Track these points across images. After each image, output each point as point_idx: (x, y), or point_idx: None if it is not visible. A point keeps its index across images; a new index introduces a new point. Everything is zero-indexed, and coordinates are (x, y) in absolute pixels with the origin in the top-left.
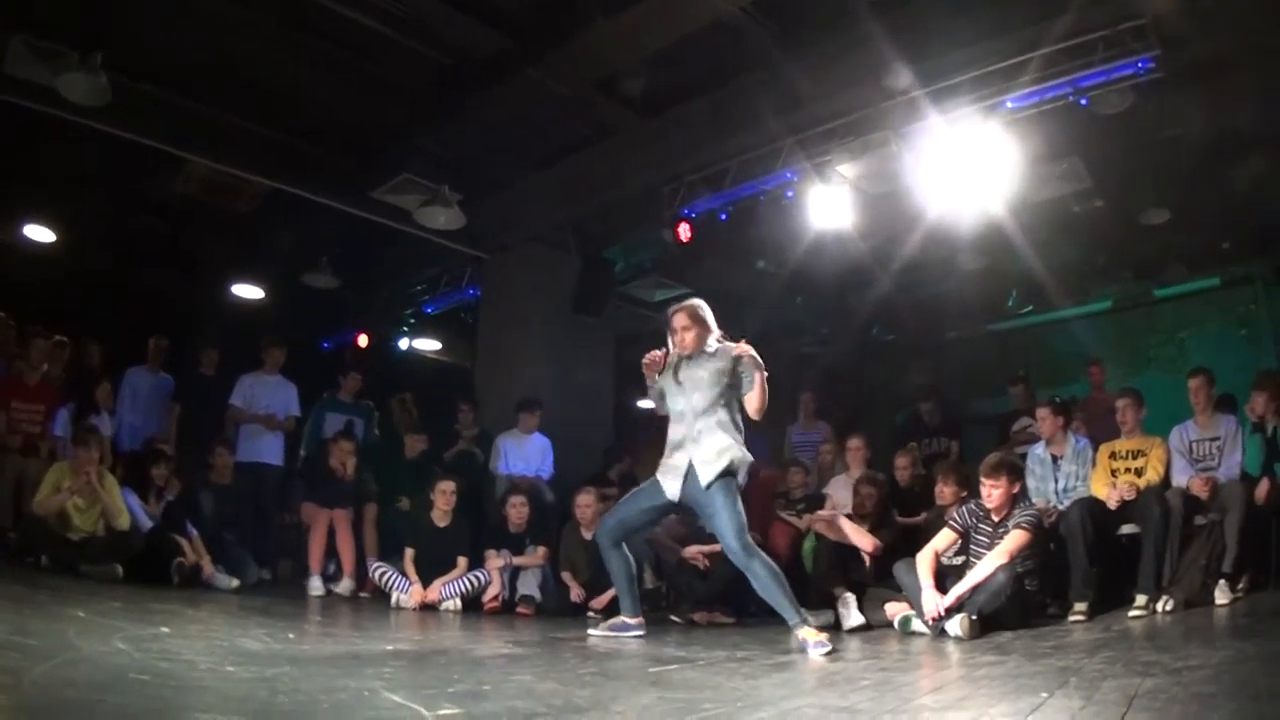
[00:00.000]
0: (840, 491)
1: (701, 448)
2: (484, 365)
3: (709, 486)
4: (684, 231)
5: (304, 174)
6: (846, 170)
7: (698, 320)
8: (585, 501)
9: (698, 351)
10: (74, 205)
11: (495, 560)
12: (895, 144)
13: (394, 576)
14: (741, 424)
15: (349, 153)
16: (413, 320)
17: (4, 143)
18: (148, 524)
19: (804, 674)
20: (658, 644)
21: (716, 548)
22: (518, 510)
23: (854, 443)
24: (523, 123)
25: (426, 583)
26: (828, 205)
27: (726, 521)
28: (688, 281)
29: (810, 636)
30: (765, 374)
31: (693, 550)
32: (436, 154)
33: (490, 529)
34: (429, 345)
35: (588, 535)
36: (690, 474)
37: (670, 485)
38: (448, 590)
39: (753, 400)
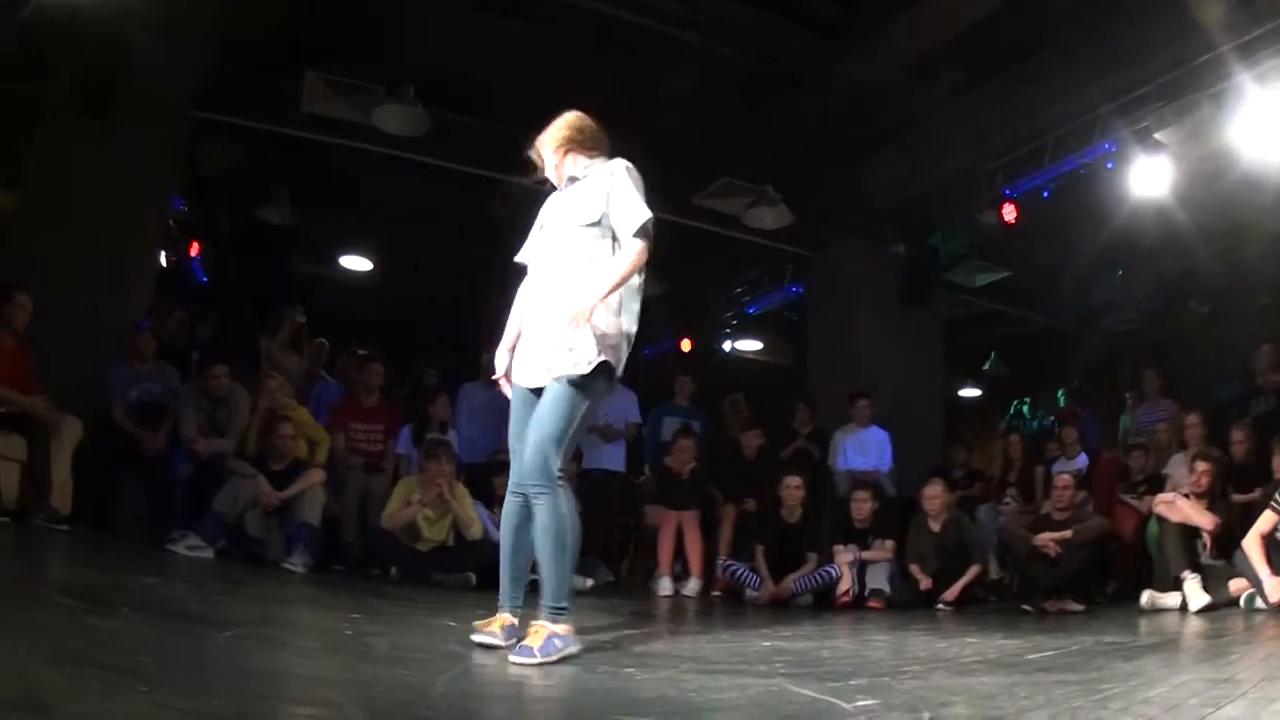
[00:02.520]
0: (1178, 470)
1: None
2: (815, 362)
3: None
4: (1009, 212)
5: None
6: (1165, 136)
7: (553, 146)
8: (933, 493)
9: (563, 180)
10: (389, 234)
11: (844, 555)
12: (1212, 104)
13: (745, 573)
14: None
15: (665, 162)
16: (735, 322)
17: (311, 179)
18: (496, 533)
19: (1177, 653)
20: (1021, 634)
21: (1068, 534)
22: (861, 505)
23: (1191, 419)
24: (837, 116)
25: (777, 579)
26: (1147, 173)
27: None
28: (1008, 264)
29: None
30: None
31: (1044, 538)
32: (753, 155)
33: (835, 524)
34: (751, 346)
35: (935, 527)
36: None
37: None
38: (800, 585)
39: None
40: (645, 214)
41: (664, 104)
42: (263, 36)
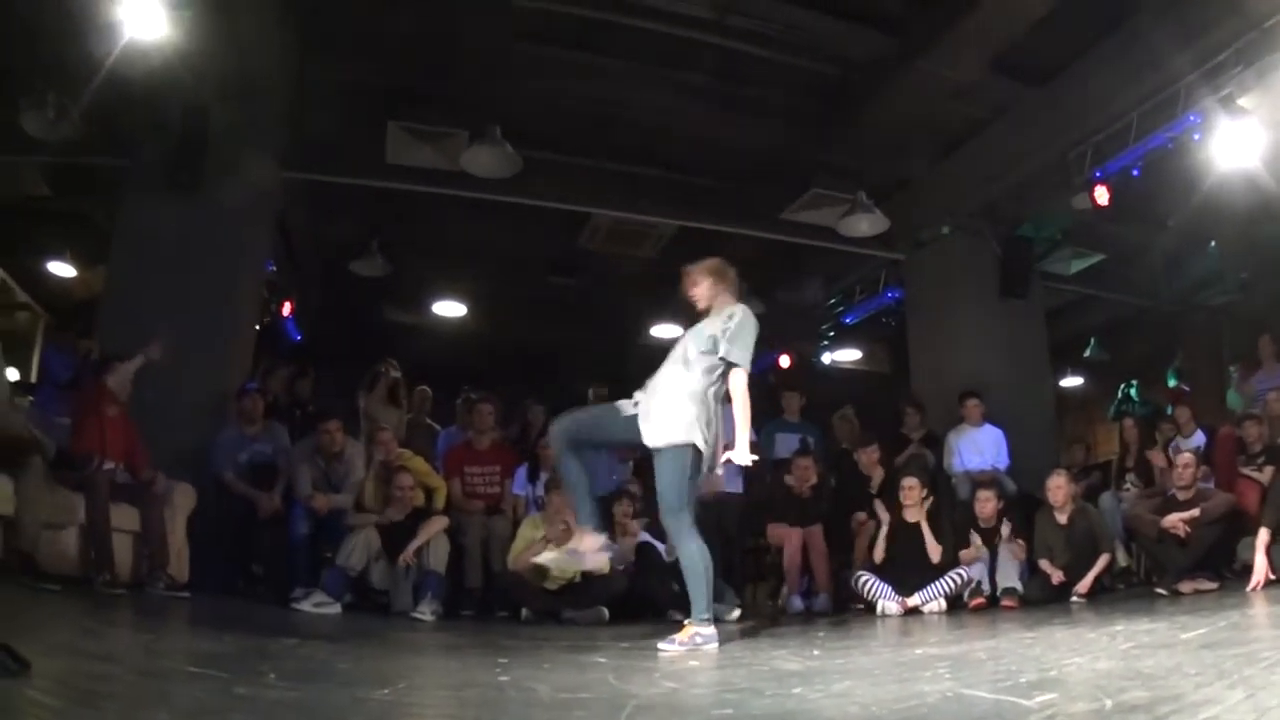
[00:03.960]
0: None
1: (655, 400)
2: (919, 365)
3: (656, 450)
4: (1101, 195)
5: (709, 209)
6: (1248, 101)
7: (703, 275)
8: (1057, 484)
9: (708, 307)
10: (479, 277)
11: (972, 554)
12: None
13: (876, 584)
14: (717, 408)
15: (750, 180)
16: (831, 333)
17: (399, 230)
18: (615, 554)
19: None
20: (1165, 616)
21: (1195, 513)
22: (984, 505)
23: None
24: (918, 116)
25: (904, 585)
26: (1233, 141)
27: (663, 490)
28: (1101, 247)
29: (703, 630)
30: (745, 370)
31: (1171, 519)
32: (837, 164)
33: (958, 527)
34: (849, 355)
35: (1061, 519)
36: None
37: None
38: (929, 593)
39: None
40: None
41: (744, 121)
42: (342, 93)
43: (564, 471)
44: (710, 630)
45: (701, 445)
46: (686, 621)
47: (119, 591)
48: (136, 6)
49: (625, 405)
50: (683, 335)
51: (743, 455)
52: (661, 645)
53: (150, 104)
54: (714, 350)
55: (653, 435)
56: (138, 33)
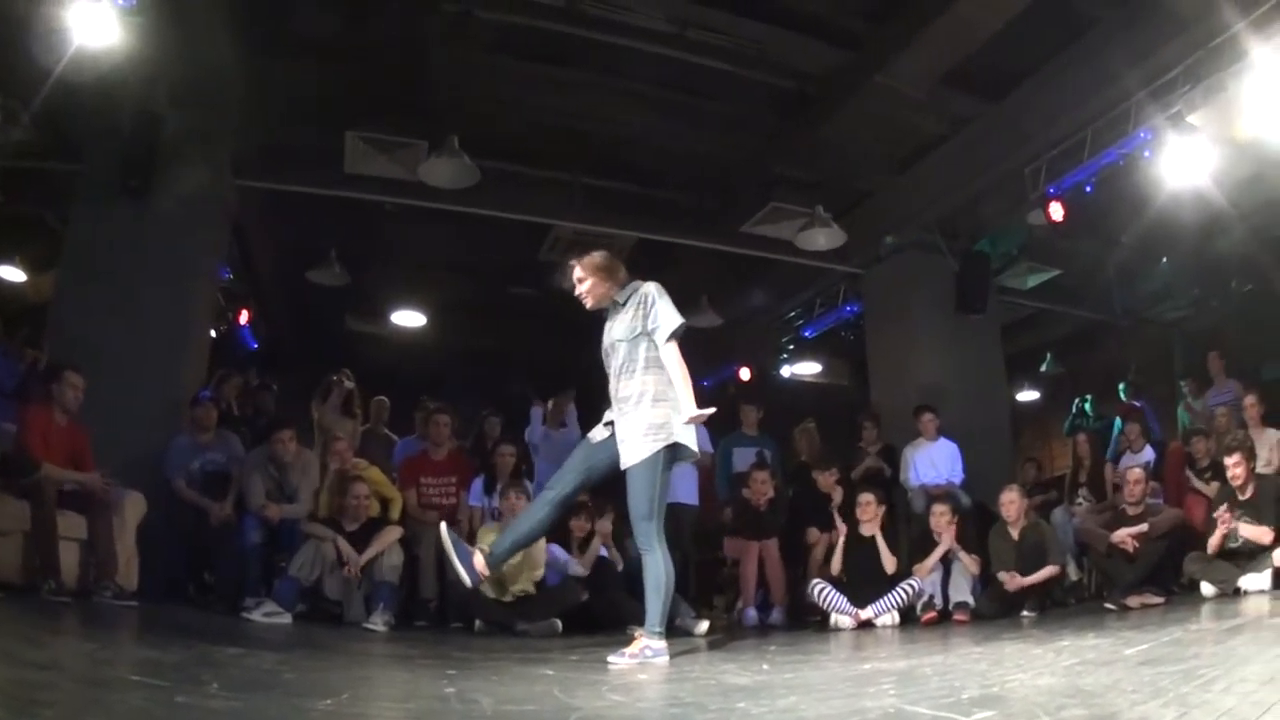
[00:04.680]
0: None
1: (624, 422)
2: (877, 379)
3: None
4: (1055, 211)
5: (669, 221)
6: (1196, 119)
7: (592, 272)
8: (1009, 499)
9: (607, 303)
10: (438, 287)
11: (925, 569)
12: (1236, 83)
13: (832, 594)
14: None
15: (710, 192)
16: (791, 347)
17: (358, 239)
18: (576, 567)
19: (1261, 631)
20: (1111, 632)
21: (1143, 528)
22: (939, 519)
23: (1249, 399)
24: (875, 132)
25: (859, 596)
26: (1183, 159)
27: (634, 500)
28: (1056, 262)
29: (653, 643)
30: (674, 335)
31: (1120, 535)
32: (796, 177)
33: (913, 540)
34: (809, 369)
35: (1014, 534)
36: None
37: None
38: (882, 605)
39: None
40: (677, 320)
41: (706, 136)
42: (298, 101)
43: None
44: (661, 644)
45: (676, 436)
46: (638, 633)
47: (65, 599)
48: (86, 12)
49: (597, 433)
50: (605, 345)
51: (694, 410)
52: (611, 658)
53: (101, 109)
54: (644, 333)
55: (630, 456)
56: (88, 38)
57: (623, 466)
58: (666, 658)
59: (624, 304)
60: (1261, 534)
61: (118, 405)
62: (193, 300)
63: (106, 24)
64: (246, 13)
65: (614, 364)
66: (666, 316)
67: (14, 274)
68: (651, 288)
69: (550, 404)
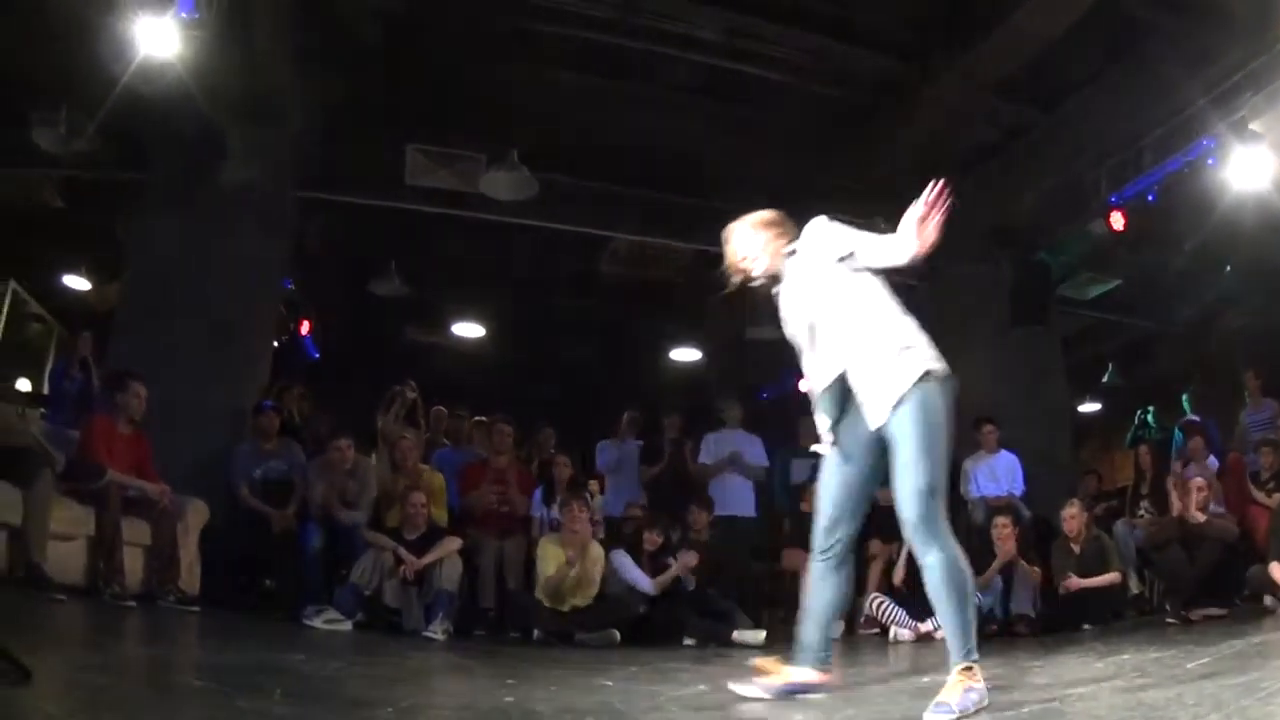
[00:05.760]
0: None
1: (860, 374)
2: None
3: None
4: (1116, 220)
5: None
6: (1259, 125)
7: (765, 225)
8: (1071, 514)
9: (781, 265)
10: (500, 299)
11: (985, 581)
12: None
13: (892, 608)
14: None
15: (768, 204)
16: None
17: (420, 249)
18: (647, 586)
19: None
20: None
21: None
22: (1001, 531)
23: None
24: (929, 141)
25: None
26: (1247, 165)
27: (906, 468)
28: (1119, 272)
29: (973, 681)
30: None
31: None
32: (853, 189)
33: (974, 553)
34: None
35: (1076, 549)
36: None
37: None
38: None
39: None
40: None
41: (762, 147)
42: (359, 114)
43: (813, 596)
44: (980, 684)
45: (936, 364)
46: (955, 665)
47: (128, 603)
48: (151, 25)
49: (823, 449)
50: (789, 311)
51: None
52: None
53: (165, 120)
54: (843, 259)
55: (883, 400)
56: (153, 50)
57: (874, 425)
58: (985, 698)
59: (798, 254)
60: None
61: (182, 413)
62: (256, 310)
63: (171, 36)
64: (308, 27)
65: (814, 320)
66: (849, 233)
67: (79, 283)
68: (817, 222)
69: (625, 419)
